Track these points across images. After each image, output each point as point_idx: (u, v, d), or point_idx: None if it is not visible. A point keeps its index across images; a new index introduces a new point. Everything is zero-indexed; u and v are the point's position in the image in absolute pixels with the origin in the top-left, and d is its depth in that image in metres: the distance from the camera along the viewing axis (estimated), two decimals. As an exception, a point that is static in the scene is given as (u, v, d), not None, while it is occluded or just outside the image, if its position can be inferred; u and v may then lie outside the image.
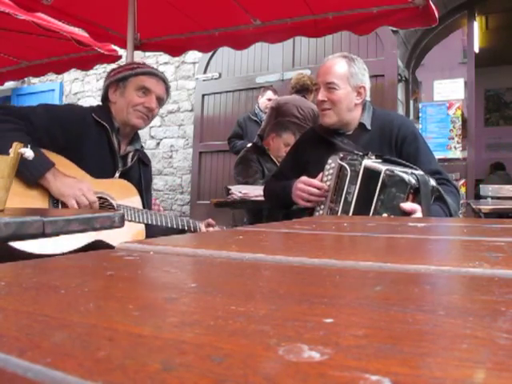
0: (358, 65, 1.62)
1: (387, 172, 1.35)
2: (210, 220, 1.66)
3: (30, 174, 1.31)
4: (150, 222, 1.55)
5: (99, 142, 1.56)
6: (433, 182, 1.40)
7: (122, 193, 1.57)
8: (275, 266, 0.38)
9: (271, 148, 2.98)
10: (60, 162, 1.41)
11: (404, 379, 0.14)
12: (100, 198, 1.48)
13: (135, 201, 1.60)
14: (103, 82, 1.70)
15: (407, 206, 1.35)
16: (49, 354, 0.16)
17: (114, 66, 3.86)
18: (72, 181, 1.39)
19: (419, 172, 1.38)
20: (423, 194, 1.36)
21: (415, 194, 1.36)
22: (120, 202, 1.52)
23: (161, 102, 1.67)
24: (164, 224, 1.57)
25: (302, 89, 3.32)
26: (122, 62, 4.32)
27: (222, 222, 3.17)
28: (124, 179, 1.61)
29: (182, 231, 1.65)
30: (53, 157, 1.39)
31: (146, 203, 1.71)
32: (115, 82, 1.63)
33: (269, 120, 3.27)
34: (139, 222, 1.53)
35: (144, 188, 1.71)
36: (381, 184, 1.36)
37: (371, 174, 1.40)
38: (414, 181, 1.35)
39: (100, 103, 1.71)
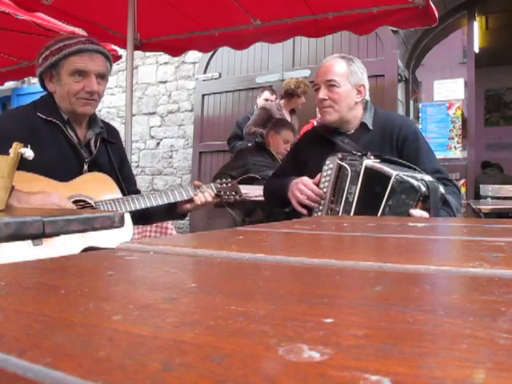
0: (356, 64, 1.64)
1: (397, 177, 1.33)
2: (196, 182, 1.60)
3: None
4: (135, 209, 1.43)
5: (55, 140, 1.42)
6: (442, 189, 1.38)
7: (98, 187, 1.45)
8: (275, 266, 0.38)
9: (271, 145, 3.01)
10: (21, 178, 1.21)
11: (404, 379, 0.14)
12: (77, 201, 1.37)
13: (113, 190, 1.48)
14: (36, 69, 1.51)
15: (416, 213, 1.34)
16: (49, 354, 0.16)
17: (116, 66, 3.95)
18: (40, 197, 1.20)
19: (429, 178, 1.36)
20: (432, 201, 1.34)
21: (424, 200, 1.35)
22: (98, 199, 1.41)
23: (104, 76, 1.48)
24: (149, 205, 1.46)
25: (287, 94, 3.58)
26: (122, 62, 4.32)
27: (222, 222, 3.18)
28: (94, 168, 1.48)
29: (171, 205, 1.55)
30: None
31: (128, 179, 1.60)
32: (47, 69, 1.46)
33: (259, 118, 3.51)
34: (126, 212, 1.41)
35: (118, 168, 1.57)
36: (390, 189, 1.34)
37: (377, 176, 1.38)
38: (424, 188, 1.33)
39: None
